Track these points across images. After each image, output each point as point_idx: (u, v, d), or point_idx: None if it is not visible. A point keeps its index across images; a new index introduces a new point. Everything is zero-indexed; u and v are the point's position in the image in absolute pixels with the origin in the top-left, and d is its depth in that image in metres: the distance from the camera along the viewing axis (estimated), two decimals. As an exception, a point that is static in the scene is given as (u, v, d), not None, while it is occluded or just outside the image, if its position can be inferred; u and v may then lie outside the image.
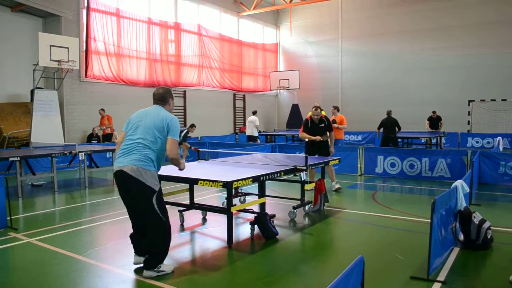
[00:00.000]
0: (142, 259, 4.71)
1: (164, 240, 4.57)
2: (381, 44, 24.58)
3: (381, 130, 14.44)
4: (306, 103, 24.87)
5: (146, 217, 4.50)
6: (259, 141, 16.06)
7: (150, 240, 4.52)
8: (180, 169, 4.76)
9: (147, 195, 4.41)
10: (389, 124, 14.21)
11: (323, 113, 9.23)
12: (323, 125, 9.17)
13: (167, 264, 4.68)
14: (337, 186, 9.47)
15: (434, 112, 18.61)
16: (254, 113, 17.36)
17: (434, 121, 18.49)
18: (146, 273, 4.51)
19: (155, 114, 4.58)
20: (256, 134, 16.23)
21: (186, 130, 13.24)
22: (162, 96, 4.75)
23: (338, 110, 13.12)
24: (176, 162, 4.54)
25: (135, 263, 4.78)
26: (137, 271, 4.69)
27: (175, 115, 20.31)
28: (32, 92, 14.43)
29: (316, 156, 8.88)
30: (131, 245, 4.83)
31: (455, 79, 22.41)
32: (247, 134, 16.11)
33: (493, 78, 21.45)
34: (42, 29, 15.90)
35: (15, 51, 15.19)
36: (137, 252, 4.80)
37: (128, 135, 4.59)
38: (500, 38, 21.27)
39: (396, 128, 14.22)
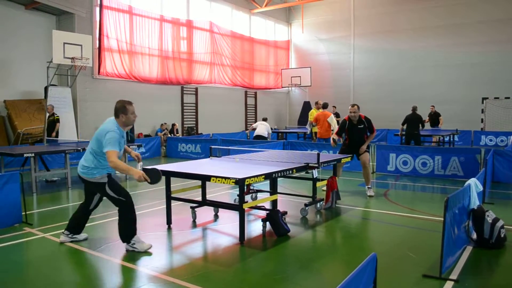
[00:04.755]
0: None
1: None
2: (392, 41, 24.43)
3: (405, 126, 14.21)
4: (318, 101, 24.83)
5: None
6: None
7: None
8: (135, 178, 5.06)
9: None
10: (414, 120, 14.02)
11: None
12: (362, 126, 8.63)
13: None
14: (370, 193, 8.70)
15: (432, 106, 18.36)
16: (266, 119, 17.25)
17: (432, 117, 18.15)
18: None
19: (101, 126, 5.23)
20: (266, 135, 16.27)
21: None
22: (115, 110, 5.26)
23: (324, 107, 13.08)
24: (119, 170, 5.03)
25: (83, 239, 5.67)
26: (151, 266, 4.74)
27: (187, 112, 20.50)
28: (46, 89, 14.58)
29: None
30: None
31: (465, 76, 22.22)
32: (258, 134, 15.97)
33: (504, 75, 21.24)
34: (56, 26, 16.03)
35: (29, 48, 15.35)
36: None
37: None
38: (508, 36, 21.10)
39: (420, 125, 14.03)
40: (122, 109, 5.20)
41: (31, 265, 4.98)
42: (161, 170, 5.85)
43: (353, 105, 8.70)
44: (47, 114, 13.75)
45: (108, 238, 5.87)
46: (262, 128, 15.99)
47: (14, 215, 6.53)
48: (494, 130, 20.83)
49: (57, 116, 13.34)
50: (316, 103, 14.26)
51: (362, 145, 8.67)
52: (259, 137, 15.86)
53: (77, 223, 5.65)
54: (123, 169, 5.03)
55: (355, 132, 8.71)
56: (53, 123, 13.17)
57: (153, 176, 5.08)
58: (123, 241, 5.30)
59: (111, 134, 5.05)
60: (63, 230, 5.68)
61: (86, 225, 5.73)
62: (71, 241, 5.59)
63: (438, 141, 16.90)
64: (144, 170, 5.12)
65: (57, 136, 13.26)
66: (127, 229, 5.26)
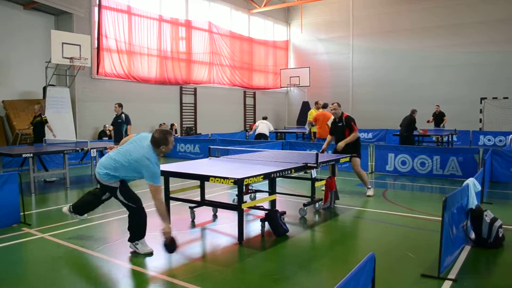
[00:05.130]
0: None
1: None
2: (391, 41, 24.47)
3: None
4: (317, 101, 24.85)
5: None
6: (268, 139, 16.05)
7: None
8: (164, 228, 4.97)
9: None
10: (405, 122, 14.04)
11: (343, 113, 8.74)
12: (340, 124, 8.69)
13: None
14: (369, 192, 8.68)
15: (437, 106, 18.52)
16: (266, 118, 17.12)
17: (437, 117, 18.31)
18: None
19: (138, 146, 5.05)
20: (268, 133, 16.17)
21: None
22: (155, 141, 5.01)
23: (323, 107, 13.09)
24: (159, 211, 4.94)
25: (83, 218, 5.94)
26: (150, 266, 4.75)
27: (186, 112, 20.51)
28: (44, 89, 14.58)
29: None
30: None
31: (465, 76, 22.28)
32: (260, 132, 15.88)
33: (503, 75, 21.30)
34: (54, 26, 16.03)
35: (27, 48, 15.35)
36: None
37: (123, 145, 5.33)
38: (507, 36, 21.16)
39: (411, 128, 14.02)
40: (164, 141, 5.01)
41: (30, 266, 4.98)
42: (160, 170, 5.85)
43: (333, 103, 8.88)
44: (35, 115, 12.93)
45: (106, 238, 5.87)
46: (263, 127, 15.97)
47: (12, 215, 6.51)
48: (492, 130, 20.85)
49: (45, 117, 12.72)
50: (316, 103, 14.22)
51: (348, 145, 8.59)
52: (261, 135, 15.83)
53: (84, 205, 5.76)
54: (162, 213, 4.94)
55: (337, 130, 8.81)
56: (40, 124, 12.49)
57: (170, 246, 4.97)
58: (129, 240, 5.27)
59: (155, 167, 4.95)
60: (70, 204, 5.84)
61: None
62: (71, 215, 5.84)
63: (438, 141, 16.93)
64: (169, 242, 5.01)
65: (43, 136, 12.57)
66: (135, 230, 5.22)
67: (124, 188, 5.19)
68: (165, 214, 4.98)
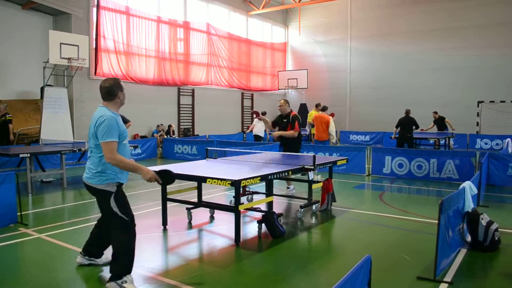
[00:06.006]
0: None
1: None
2: (389, 44, 24.49)
3: (398, 129, 14.21)
4: (314, 103, 24.83)
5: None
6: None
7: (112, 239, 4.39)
8: (143, 177, 4.22)
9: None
10: (406, 123, 14.05)
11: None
12: (285, 121, 8.91)
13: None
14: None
15: (435, 112, 18.52)
16: (264, 113, 17.06)
17: (437, 122, 18.32)
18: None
19: (94, 118, 4.25)
20: (263, 135, 16.16)
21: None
22: (109, 91, 4.33)
23: (322, 110, 13.11)
24: (124, 167, 4.14)
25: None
26: (146, 267, 4.74)
27: (184, 114, 20.45)
28: (42, 89, 14.54)
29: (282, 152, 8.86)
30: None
31: (462, 79, 22.30)
32: (255, 133, 15.97)
33: (500, 79, 21.34)
34: (53, 27, 16.00)
35: (25, 48, 15.31)
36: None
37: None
38: (506, 39, 21.21)
39: (414, 127, 14.04)
40: (118, 86, 4.34)
41: (26, 266, 4.97)
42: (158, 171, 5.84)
43: (280, 100, 9.18)
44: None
45: (103, 239, 5.85)
46: (259, 128, 15.98)
47: (9, 215, 6.51)
48: (489, 134, 20.90)
49: (10, 117, 12.59)
50: (318, 105, 14.30)
51: (289, 142, 8.82)
52: (256, 137, 15.91)
53: (93, 242, 4.78)
54: (128, 166, 4.10)
55: (281, 126, 9.02)
56: (4, 123, 12.55)
57: (165, 177, 4.37)
58: (112, 274, 4.22)
59: (106, 120, 4.10)
60: (80, 251, 4.89)
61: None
62: (89, 264, 4.78)
63: (435, 144, 16.94)
64: (156, 172, 4.31)
65: (9, 139, 12.78)
66: (123, 259, 4.24)
67: (120, 195, 4.27)
68: (134, 164, 4.17)
